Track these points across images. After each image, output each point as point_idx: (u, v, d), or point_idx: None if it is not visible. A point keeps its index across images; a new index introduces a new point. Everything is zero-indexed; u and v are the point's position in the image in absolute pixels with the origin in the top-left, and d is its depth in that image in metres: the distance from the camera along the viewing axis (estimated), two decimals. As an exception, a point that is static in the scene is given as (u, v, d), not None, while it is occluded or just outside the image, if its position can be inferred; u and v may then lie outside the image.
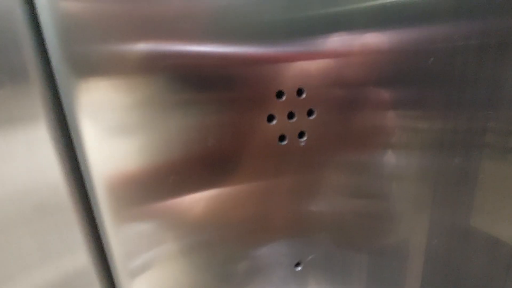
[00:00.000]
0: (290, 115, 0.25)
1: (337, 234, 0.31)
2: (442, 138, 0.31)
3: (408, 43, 0.26)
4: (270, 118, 0.24)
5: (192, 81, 0.21)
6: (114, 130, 0.21)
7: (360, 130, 0.27)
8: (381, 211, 0.32)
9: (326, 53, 0.24)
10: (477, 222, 0.34)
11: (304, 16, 0.23)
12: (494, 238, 0.35)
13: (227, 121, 0.23)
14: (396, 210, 0.32)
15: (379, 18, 0.25)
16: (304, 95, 0.24)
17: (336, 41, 0.24)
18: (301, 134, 0.26)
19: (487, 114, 0.31)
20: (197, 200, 0.25)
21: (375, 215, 0.32)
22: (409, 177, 0.31)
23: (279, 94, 0.24)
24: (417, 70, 0.27)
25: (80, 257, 0.22)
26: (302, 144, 0.26)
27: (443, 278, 0.37)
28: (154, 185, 0.23)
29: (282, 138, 0.25)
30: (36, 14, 0.17)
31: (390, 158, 0.30)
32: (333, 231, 0.31)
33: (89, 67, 0.19)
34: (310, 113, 0.25)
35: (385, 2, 0.25)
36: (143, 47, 0.20)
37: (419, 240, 0.35)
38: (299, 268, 0.30)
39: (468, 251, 0.35)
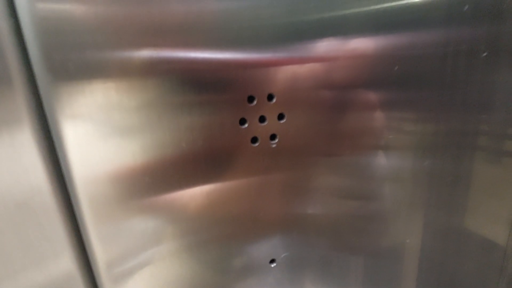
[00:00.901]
0: (262, 119, 0.26)
1: (311, 234, 0.32)
2: (435, 140, 0.32)
3: (389, 49, 0.28)
4: (242, 121, 0.26)
5: (166, 86, 0.23)
6: (95, 133, 0.22)
7: (332, 133, 0.29)
8: (363, 213, 0.33)
9: (300, 59, 0.26)
10: (471, 224, 0.35)
11: (276, 24, 0.24)
12: (487, 240, 0.36)
13: (200, 124, 0.25)
14: (380, 212, 0.33)
15: (362, 24, 0.26)
16: (274, 100, 0.26)
17: (312, 47, 0.26)
18: (272, 137, 0.27)
19: (479, 117, 0.32)
20: (178, 201, 0.26)
21: (358, 217, 0.33)
22: (397, 180, 0.32)
23: (250, 99, 0.25)
24: (400, 74, 0.29)
25: (64, 256, 0.24)
26: (274, 146, 0.27)
27: (437, 279, 0.37)
28: (134, 187, 0.24)
29: (254, 140, 0.27)
30: (18, 20, 0.19)
31: (367, 160, 0.31)
32: (309, 231, 0.32)
33: (68, 71, 0.20)
34: (280, 117, 0.27)
35: (369, 9, 0.26)
36: (119, 52, 0.21)
37: (413, 242, 0.35)
38: (274, 264, 0.32)
39: (462, 253, 0.36)
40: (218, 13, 0.23)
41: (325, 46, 0.26)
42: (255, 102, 0.26)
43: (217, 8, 0.23)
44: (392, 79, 0.29)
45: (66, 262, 0.24)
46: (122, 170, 0.23)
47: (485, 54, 0.30)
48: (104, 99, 0.22)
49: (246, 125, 0.26)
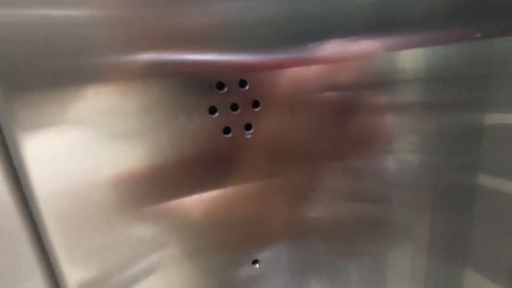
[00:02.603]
0: (234, 107, 0.24)
1: (297, 237, 0.30)
2: (438, 142, 0.30)
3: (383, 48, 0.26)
4: (212, 110, 0.24)
5: (135, 94, 0.21)
6: (58, 145, 0.20)
7: (313, 121, 0.27)
8: (360, 214, 0.31)
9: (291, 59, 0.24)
10: (477, 226, 0.33)
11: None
12: (496, 243, 0.34)
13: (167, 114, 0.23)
14: (380, 215, 0.31)
15: (356, 21, 0.25)
16: (247, 87, 0.24)
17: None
18: (247, 127, 0.25)
19: (483, 116, 0.30)
20: (155, 214, 0.24)
21: (356, 219, 0.31)
22: (399, 181, 0.30)
23: (220, 86, 0.23)
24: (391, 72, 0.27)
25: (34, 279, 0.22)
26: (249, 136, 0.25)
27: (444, 285, 0.35)
28: (102, 201, 0.22)
29: (227, 130, 0.25)
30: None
31: (360, 155, 0.29)
32: (293, 233, 0.30)
33: (25, 82, 0.19)
34: (255, 104, 0.25)
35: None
36: (79, 60, 0.20)
37: (419, 247, 0.34)
38: (257, 266, 0.29)
39: (470, 258, 0.34)
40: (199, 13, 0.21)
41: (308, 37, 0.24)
42: (225, 89, 0.24)
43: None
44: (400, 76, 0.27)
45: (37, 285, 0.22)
46: (89, 184, 0.22)
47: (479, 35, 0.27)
48: (63, 111, 0.20)
49: (216, 114, 0.24)
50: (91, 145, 0.21)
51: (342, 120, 0.27)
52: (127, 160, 0.22)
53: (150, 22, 0.20)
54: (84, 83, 0.20)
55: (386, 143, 0.29)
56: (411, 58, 0.27)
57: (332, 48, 0.25)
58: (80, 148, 0.21)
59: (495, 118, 0.30)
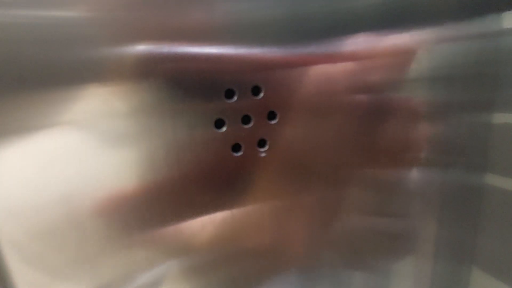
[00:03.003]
0: (245, 119, 0.20)
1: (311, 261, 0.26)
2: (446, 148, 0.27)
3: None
4: (219, 123, 0.19)
5: (115, 95, 0.17)
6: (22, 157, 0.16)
7: (340, 136, 0.23)
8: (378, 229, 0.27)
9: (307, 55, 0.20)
10: (485, 227, 0.31)
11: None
12: (504, 245, 0.31)
13: (163, 129, 0.18)
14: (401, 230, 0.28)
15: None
16: (261, 94, 0.20)
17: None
18: (261, 143, 0.21)
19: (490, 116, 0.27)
20: (131, 244, 0.20)
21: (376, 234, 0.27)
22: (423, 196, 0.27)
23: (229, 94, 0.19)
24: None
25: None
26: (263, 155, 0.21)
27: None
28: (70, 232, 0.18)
29: (236, 148, 0.20)
30: None
31: (389, 172, 0.25)
32: (309, 255, 0.26)
33: None
34: (271, 116, 0.20)
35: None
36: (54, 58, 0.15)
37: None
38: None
39: (477, 257, 0.32)
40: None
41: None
42: (235, 98, 0.19)
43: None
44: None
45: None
46: (67, 202, 0.17)
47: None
48: (35, 114, 0.16)
49: (224, 129, 0.20)
50: (70, 156, 0.17)
51: (366, 127, 0.23)
52: (117, 177, 0.18)
53: (149, 20, 0.16)
54: (63, 85, 0.16)
55: (412, 150, 0.25)
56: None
57: (339, 46, 0.21)
58: (57, 160, 0.17)
59: (503, 118, 0.27)
